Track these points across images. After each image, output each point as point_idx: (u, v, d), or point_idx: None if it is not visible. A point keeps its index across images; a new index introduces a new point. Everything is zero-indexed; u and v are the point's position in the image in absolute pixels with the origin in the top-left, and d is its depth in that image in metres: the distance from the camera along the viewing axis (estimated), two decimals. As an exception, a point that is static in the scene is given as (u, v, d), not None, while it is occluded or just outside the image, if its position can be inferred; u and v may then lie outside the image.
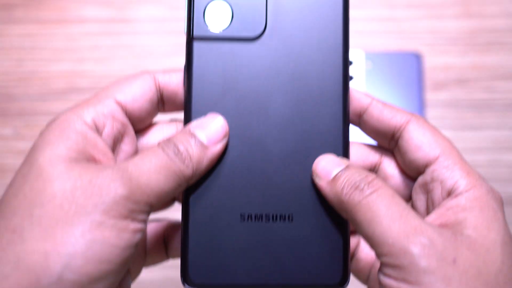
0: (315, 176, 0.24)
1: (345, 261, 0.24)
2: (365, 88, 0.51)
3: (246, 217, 0.24)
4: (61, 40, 0.52)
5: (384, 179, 0.26)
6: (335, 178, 0.23)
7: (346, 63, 0.25)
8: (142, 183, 0.21)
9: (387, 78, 0.51)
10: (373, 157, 0.26)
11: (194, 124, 0.23)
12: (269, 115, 0.24)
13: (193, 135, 0.23)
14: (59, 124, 0.23)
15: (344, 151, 0.25)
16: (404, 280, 0.20)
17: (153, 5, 0.53)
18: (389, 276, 0.20)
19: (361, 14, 0.53)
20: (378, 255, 0.21)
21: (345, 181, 0.22)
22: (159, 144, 0.22)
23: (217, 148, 0.23)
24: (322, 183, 0.23)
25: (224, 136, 0.24)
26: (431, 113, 0.52)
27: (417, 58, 0.52)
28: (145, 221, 0.21)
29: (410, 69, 0.51)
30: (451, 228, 0.21)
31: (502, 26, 0.53)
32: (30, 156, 0.22)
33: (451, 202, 0.22)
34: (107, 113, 0.23)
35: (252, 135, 0.24)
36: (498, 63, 0.52)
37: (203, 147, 0.23)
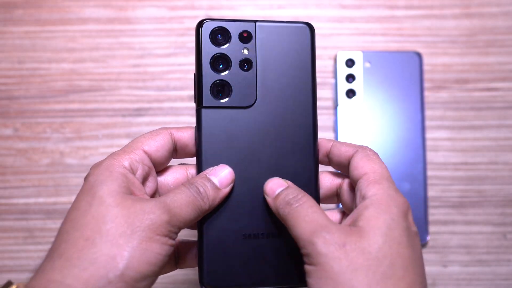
0: (265, 194, 0.32)
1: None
2: (363, 89, 0.51)
3: (247, 236, 0.32)
4: (61, 40, 0.52)
5: (343, 193, 0.34)
6: (277, 196, 0.31)
7: (315, 121, 0.34)
8: (177, 213, 0.29)
9: (387, 78, 0.51)
10: (337, 180, 0.34)
11: (209, 171, 0.32)
12: (260, 162, 0.33)
13: (209, 180, 0.31)
14: (106, 168, 0.30)
15: (315, 185, 0.33)
16: (310, 264, 0.28)
17: (153, 5, 0.53)
18: (305, 263, 0.28)
19: (361, 14, 0.53)
20: (300, 248, 0.29)
21: (281, 197, 0.31)
22: (184, 184, 0.31)
23: (227, 190, 0.32)
24: (269, 199, 0.32)
25: (232, 181, 0.32)
26: (431, 113, 0.52)
27: (417, 58, 0.52)
28: (175, 238, 0.30)
29: (410, 69, 0.51)
30: (354, 222, 0.29)
31: (502, 26, 0.53)
32: (91, 190, 0.29)
33: (360, 205, 0.30)
34: (138, 160, 0.31)
35: (248, 177, 0.33)
36: (498, 63, 0.52)
37: (217, 189, 0.31)
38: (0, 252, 0.51)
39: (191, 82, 0.52)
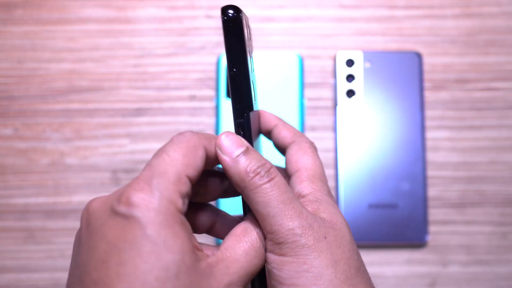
0: (218, 150, 0.27)
1: None
2: (363, 88, 0.51)
3: None
4: (61, 40, 0.52)
5: None
6: (237, 159, 0.26)
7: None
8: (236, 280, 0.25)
9: (386, 78, 0.51)
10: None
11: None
12: None
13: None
14: (164, 216, 0.23)
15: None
16: (283, 255, 0.25)
17: (153, 5, 0.53)
18: (272, 251, 0.26)
19: (361, 14, 0.53)
20: (267, 232, 0.26)
21: (247, 164, 0.26)
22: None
23: None
24: (225, 158, 0.26)
25: None
26: (431, 113, 0.52)
27: (417, 58, 0.52)
28: None
29: (409, 69, 0.51)
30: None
31: (502, 26, 0.53)
32: (149, 255, 0.23)
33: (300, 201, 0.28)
34: (185, 193, 0.25)
35: None
36: (498, 63, 0.52)
37: None
38: (0, 252, 0.51)
39: (191, 82, 0.52)
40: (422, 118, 0.51)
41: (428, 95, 0.52)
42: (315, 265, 0.25)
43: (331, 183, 0.50)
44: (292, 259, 0.25)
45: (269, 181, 0.26)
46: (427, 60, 0.52)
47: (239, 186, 0.26)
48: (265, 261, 0.26)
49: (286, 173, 0.31)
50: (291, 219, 0.25)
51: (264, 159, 0.27)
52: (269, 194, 0.26)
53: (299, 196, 0.29)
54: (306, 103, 0.52)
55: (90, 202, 0.25)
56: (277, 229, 0.25)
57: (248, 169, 0.26)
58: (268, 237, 0.26)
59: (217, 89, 0.51)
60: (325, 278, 0.25)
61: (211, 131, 0.51)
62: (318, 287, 0.25)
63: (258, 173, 0.26)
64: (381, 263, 0.51)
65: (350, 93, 0.51)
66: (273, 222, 0.25)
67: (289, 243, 0.25)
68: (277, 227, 0.25)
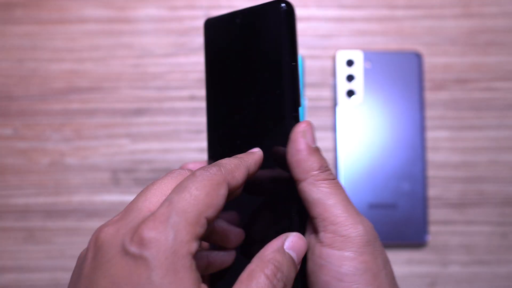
0: (300, 135, 0.28)
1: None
2: (363, 88, 0.51)
3: None
4: (61, 40, 0.52)
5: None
6: (316, 148, 0.28)
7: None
8: None
9: (386, 78, 0.51)
10: None
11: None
12: None
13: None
14: (173, 257, 0.22)
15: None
16: (345, 249, 0.26)
17: (153, 5, 0.53)
18: (331, 246, 0.26)
19: (361, 14, 0.53)
20: (329, 223, 0.26)
21: (322, 157, 0.28)
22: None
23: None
24: (307, 145, 0.27)
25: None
26: (431, 113, 0.52)
27: (417, 58, 0.52)
28: None
29: (410, 69, 0.51)
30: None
31: (502, 26, 0.53)
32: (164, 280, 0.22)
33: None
34: (201, 235, 0.23)
35: None
36: (498, 63, 0.52)
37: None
38: (0, 252, 0.51)
39: (191, 82, 0.52)
40: (422, 118, 0.51)
41: (428, 95, 0.52)
42: (374, 264, 0.26)
43: (331, 183, 0.50)
44: (355, 256, 0.25)
45: (334, 178, 0.27)
46: (427, 60, 0.52)
47: (306, 175, 0.27)
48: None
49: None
50: (357, 215, 0.26)
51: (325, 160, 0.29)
52: (338, 188, 0.27)
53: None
54: (307, 103, 0.52)
55: (101, 230, 0.23)
56: (342, 221, 0.26)
57: (323, 162, 0.27)
58: (329, 229, 0.26)
59: (217, 89, 0.51)
60: (380, 279, 0.26)
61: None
62: (373, 287, 0.25)
63: (329, 169, 0.28)
64: (381, 263, 0.51)
65: (350, 93, 0.51)
66: (339, 214, 0.26)
67: (352, 237, 0.26)
68: (343, 219, 0.26)
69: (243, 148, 0.29)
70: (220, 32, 0.31)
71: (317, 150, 0.28)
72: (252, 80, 0.29)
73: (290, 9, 0.28)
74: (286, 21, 0.28)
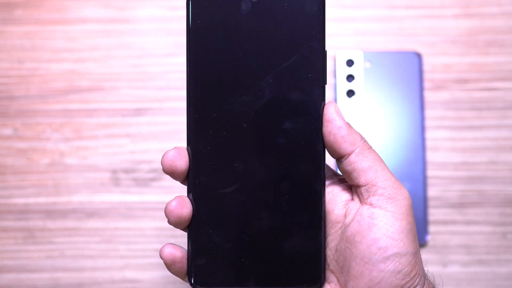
0: (335, 113, 0.30)
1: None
2: (363, 88, 0.51)
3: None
4: (61, 40, 0.52)
5: None
6: (350, 124, 0.30)
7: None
8: None
9: (386, 78, 0.51)
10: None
11: None
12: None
13: None
14: None
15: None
16: (390, 210, 0.28)
17: (153, 5, 0.53)
18: (380, 207, 0.29)
19: (361, 14, 0.53)
20: (379, 187, 0.29)
21: (357, 132, 0.30)
22: None
23: None
24: (344, 121, 0.30)
25: None
26: (431, 113, 0.52)
27: (416, 57, 0.52)
28: None
29: (409, 69, 0.51)
30: None
31: (502, 26, 0.53)
32: None
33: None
34: None
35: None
36: (498, 63, 0.52)
37: None
38: (0, 252, 0.51)
39: (191, 82, 0.52)
40: (422, 118, 0.51)
41: (428, 95, 0.52)
42: (415, 226, 0.29)
43: (331, 183, 0.50)
44: (403, 217, 0.28)
45: (376, 156, 0.30)
46: (427, 60, 0.52)
47: (353, 147, 0.29)
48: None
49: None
50: (399, 181, 0.29)
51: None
52: (377, 155, 0.30)
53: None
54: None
55: None
56: (390, 185, 0.29)
57: (360, 133, 0.30)
58: (379, 193, 0.29)
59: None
60: (417, 240, 0.29)
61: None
62: (414, 246, 0.29)
63: (367, 145, 0.30)
64: (381, 263, 0.51)
65: (350, 93, 0.51)
66: (388, 178, 0.29)
67: (400, 199, 0.29)
68: (391, 183, 0.29)
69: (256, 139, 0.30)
70: (219, 8, 0.29)
71: (350, 125, 0.30)
72: (271, 63, 0.29)
73: None
74: (323, 5, 0.29)
